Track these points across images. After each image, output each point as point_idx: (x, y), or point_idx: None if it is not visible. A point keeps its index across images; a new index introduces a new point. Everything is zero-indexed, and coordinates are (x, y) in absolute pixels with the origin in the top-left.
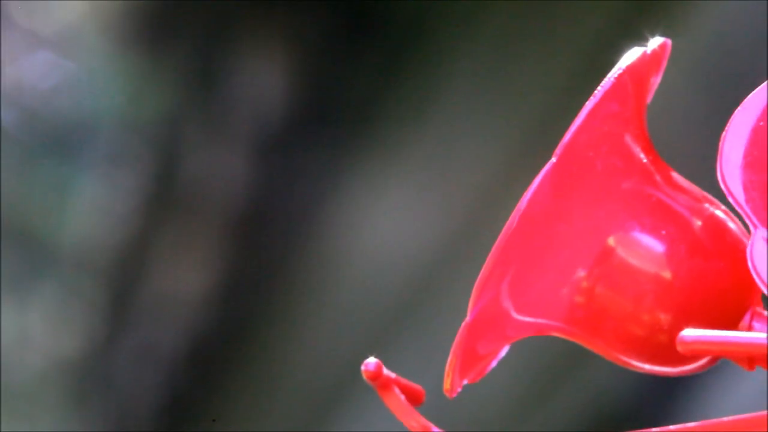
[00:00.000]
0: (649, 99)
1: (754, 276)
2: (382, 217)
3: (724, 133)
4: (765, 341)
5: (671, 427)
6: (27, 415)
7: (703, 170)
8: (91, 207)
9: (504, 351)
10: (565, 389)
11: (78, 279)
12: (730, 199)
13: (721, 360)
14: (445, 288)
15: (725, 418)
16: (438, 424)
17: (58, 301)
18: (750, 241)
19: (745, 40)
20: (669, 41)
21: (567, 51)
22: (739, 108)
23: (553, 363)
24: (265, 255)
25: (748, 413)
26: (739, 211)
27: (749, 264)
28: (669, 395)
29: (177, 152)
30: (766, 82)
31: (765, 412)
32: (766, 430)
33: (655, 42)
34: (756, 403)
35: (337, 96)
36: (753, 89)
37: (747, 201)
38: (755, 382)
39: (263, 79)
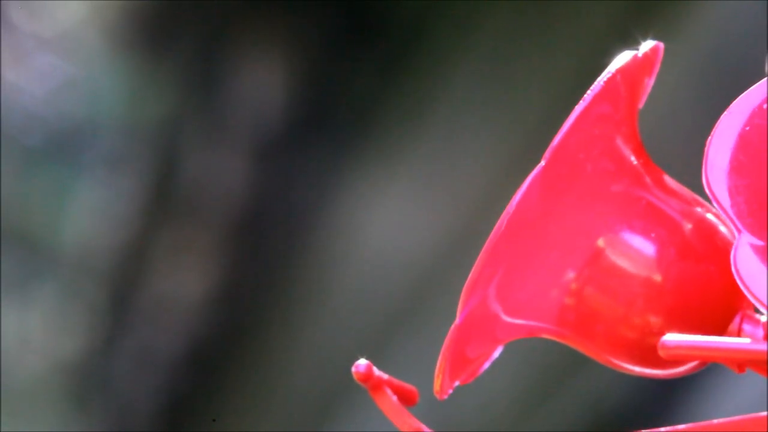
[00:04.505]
0: (642, 102)
1: (738, 281)
2: (383, 219)
3: (709, 137)
4: (747, 346)
5: (670, 428)
6: (27, 416)
7: (697, 173)
8: (91, 209)
9: (496, 353)
10: (563, 391)
11: (78, 281)
12: (715, 204)
13: (712, 362)
14: (446, 290)
15: (725, 419)
16: (439, 426)
17: (58, 303)
18: (734, 246)
19: (744, 42)
20: (661, 44)
21: (567, 50)
22: (725, 112)
23: (552, 365)
24: (264, 257)
25: (748, 414)
26: (724, 216)
27: (733, 269)
28: (668, 397)
29: (177, 155)
30: (752, 87)
31: (764, 413)
32: (765, 431)
33: (647, 45)
34: (755, 404)
35: (338, 98)
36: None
37: (732, 206)
38: (754, 384)
39: (263, 82)
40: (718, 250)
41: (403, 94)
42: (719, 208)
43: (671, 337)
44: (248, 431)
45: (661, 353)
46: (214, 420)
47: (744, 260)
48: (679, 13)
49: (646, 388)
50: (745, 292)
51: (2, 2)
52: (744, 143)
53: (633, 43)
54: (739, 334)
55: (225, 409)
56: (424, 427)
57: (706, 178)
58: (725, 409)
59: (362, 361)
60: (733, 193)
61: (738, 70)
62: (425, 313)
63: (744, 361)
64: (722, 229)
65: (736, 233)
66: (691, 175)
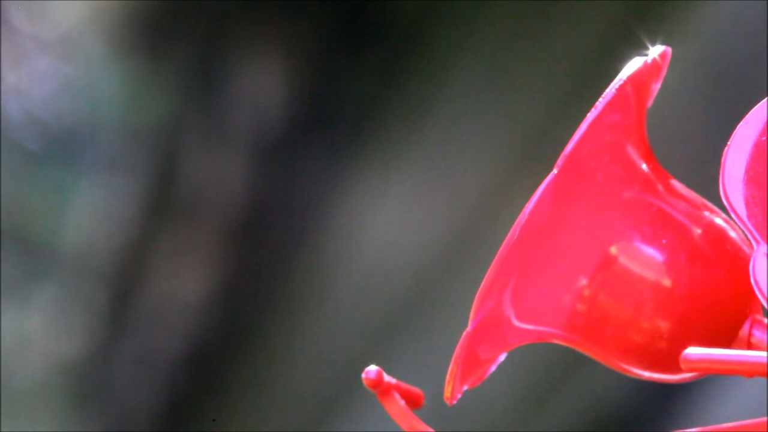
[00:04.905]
0: (648, 105)
1: (757, 293)
2: (383, 220)
3: (726, 147)
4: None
5: None
6: (27, 417)
7: (703, 176)
8: (91, 211)
9: (503, 357)
10: (564, 394)
11: (78, 282)
12: (732, 215)
13: None
14: (446, 291)
15: (725, 424)
16: (438, 426)
17: (58, 304)
18: (752, 258)
19: (746, 45)
20: (669, 49)
21: (568, 52)
22: (741, 122)
23: (552, 367)
24: (264, 259)
25: (749, 419)
26: (741, 226)
27: (752, 280)
28: (669, 401)
29: (177, 156)
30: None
31: (765, 418)
32: None
33: (655, 50)
34: (756, 408)
35: (337, 99)
36: (753, 95)
37: (749, 217)
38: (756, 388)
39: (263, 83)
40: (729, 255)
41: (403, 96)
42: (736, 218)
43: (693, 351)
44: (248, 431)
45: (683, 366)
46: (214, 420)
47: (762, 271)
48: (679, 13)
49: (646, 389)
50: (765, 303)
51: (2, 4)
52: (760, 153)
53: (634, 46)
54: (749, 339)
55: (225, 410)
56: (433, 431)
57: (723, 188)
58: (726, 411)
59: (372, 367)
60: (749, 203)
61: (738, 71)
62: (425, 313)
63: (756, 373)
64: (732, 234)
65: (754, 244)
66: (692, 176)
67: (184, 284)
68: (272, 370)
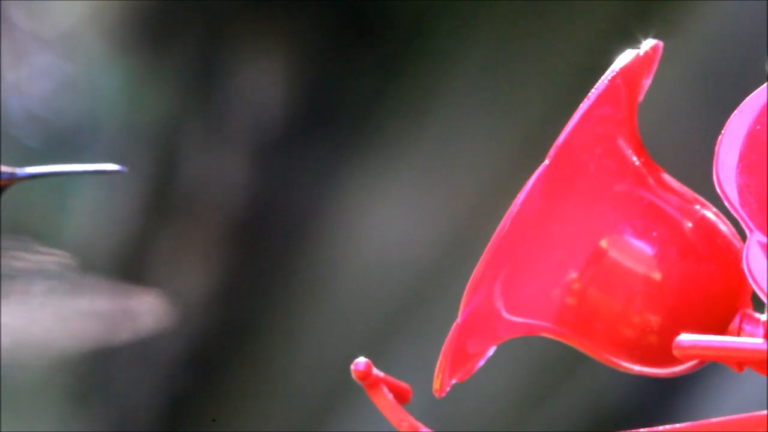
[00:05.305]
0: (639, 100)
1: (750, 280)
2: (382, 220)
3: (720, 136)
4: (762, 347)
5: (669, 427)
6: (27, 416)
7: (696, 171)
8: (91, 209)
9: (491, 350)
10: (563, 390)
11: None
12: (726, 203)
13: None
14: (445, 290)
15: (724, 418)
16: (437, 425)
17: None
18: (746, 245)
19: (743, 41)
20: (661, 43)
21: (567, 51)
22: (735, 111)
23: (550, 363)
24: (264, 258)
25: (747, 413)
26: (735, 214)
27: (744, 268)
28: (668, 396)
29: (177, 155)
30: (763, 86)
31: (764, 412)
32: (765, 430)
33: (647, 44)
34: (755, 403)
35: (337, 98)
36: (749, 91)
37: (742, 205)
38: (754, 383)
39: (263, 82)
40: (719, 250)
41: (403, 95)
42: (730, 207)
43: (686, 337)
44: (248, 431)
45: (676, 352)
46: (214, 420)
47: (755, 259)
48: (679, 13)
49: (645, 387)
50: (757, 290)
51: (2, 2)
52: (754, 142)
53: (632, 44)
54: (739, 333)
55: (225, 410)
56: (419, 424)
57: (716, 176)
58: (725, 408)
59: (361, 359)
60: (743, 191)
61: (737, 70)
62: (425, 313)
63: (748, 361)
64: (723, 228)
65: (747, 232)
66: (689, 174)
67: (184, 282)
68: (272, 370)
